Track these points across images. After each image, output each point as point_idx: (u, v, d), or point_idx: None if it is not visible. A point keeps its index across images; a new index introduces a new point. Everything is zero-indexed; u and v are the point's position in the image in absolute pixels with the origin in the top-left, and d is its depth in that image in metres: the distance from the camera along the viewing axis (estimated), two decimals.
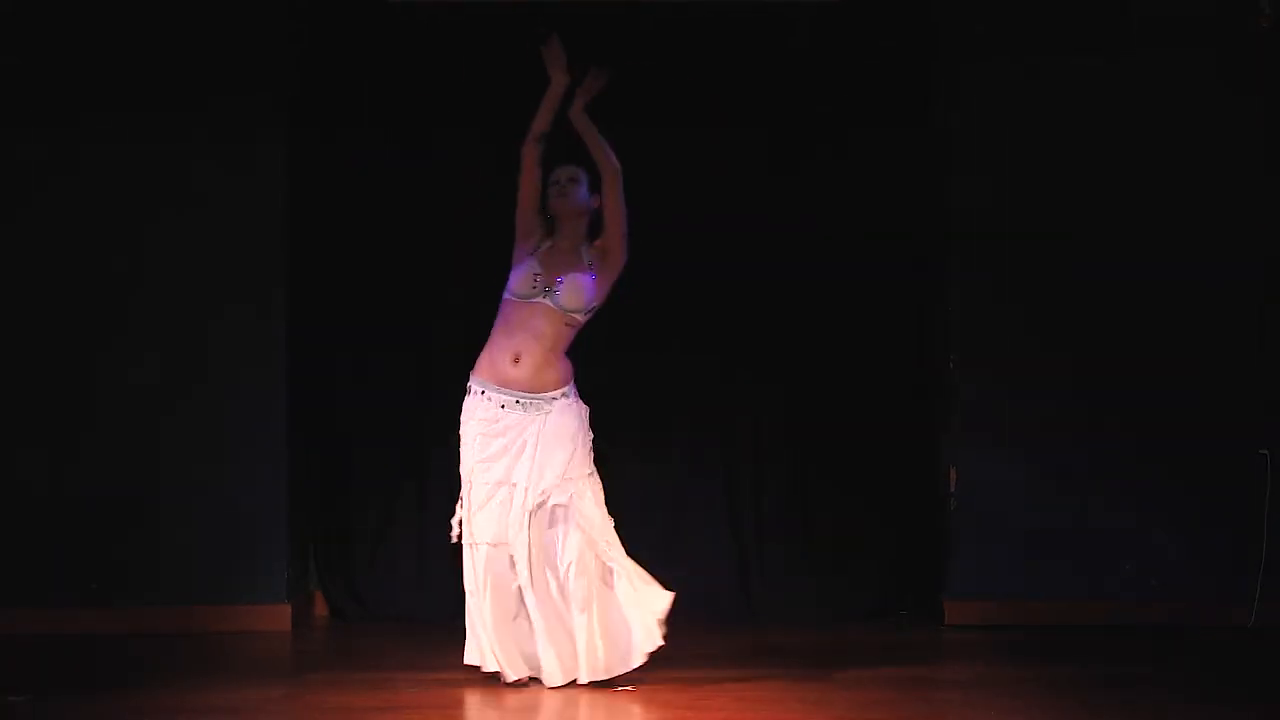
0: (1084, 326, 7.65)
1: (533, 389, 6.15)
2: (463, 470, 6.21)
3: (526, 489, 6.10)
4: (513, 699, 5.95)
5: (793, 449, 7.97)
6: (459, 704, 5.89)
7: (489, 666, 6.13)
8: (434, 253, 7.96)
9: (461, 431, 6.22)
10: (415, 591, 7.94)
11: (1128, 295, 7.64)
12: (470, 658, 6.16)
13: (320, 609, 8.01)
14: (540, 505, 6.10)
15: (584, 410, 6.24)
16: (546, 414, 6.16)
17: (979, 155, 7.68)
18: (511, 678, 6.07)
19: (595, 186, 6.31)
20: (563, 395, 6.19)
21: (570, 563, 6.09)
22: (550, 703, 5.91)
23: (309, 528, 7.92)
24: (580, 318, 6.21)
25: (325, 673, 6.57)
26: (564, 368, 6.22)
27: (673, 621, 6.05)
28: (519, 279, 6.20)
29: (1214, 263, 7.63)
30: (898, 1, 7.88)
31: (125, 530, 7.48)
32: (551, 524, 6.13)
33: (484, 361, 6.22)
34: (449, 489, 7.92)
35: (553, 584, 6.10)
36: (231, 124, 7.54)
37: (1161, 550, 7.58)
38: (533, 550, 6.09)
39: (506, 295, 6.25)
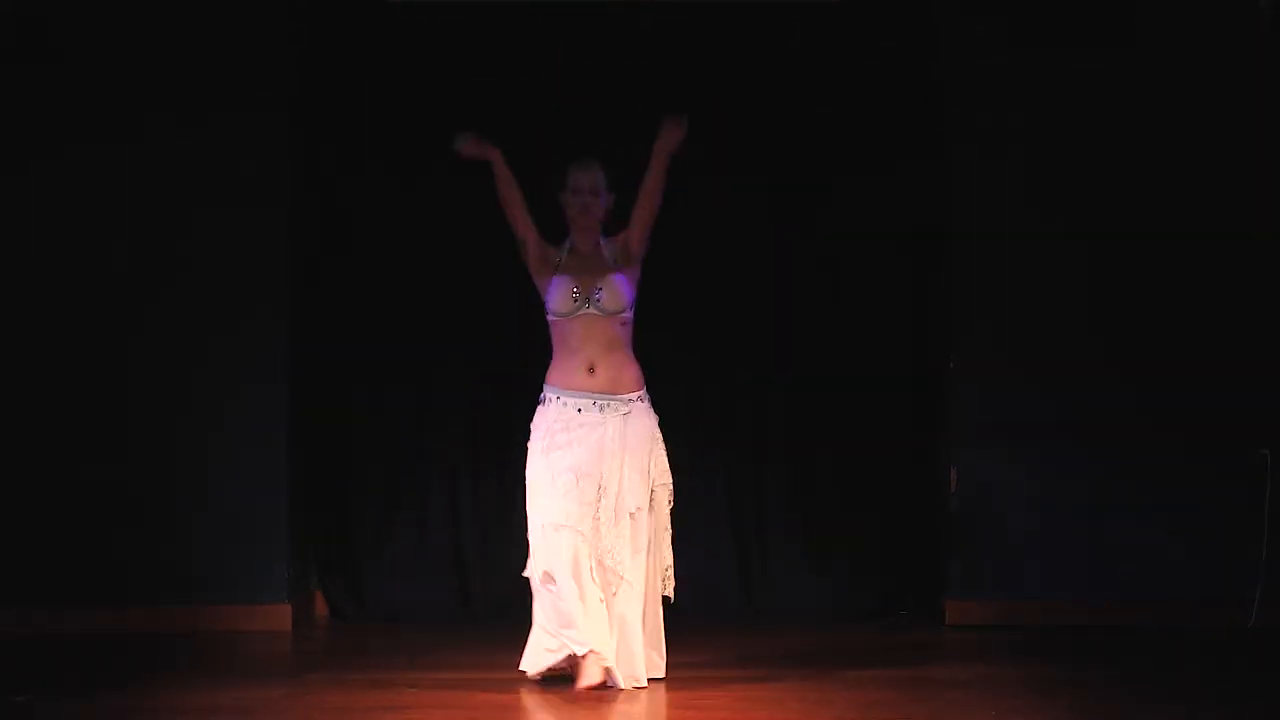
0: (1084, 326, 7.64)
1: (610, 391, 6.13)
2: (527, 473, 6.14)
3: (616, 493, 6.05)
4: (514, 698, 5.95)
5: (793, 449, 7.97)
6: (459, 703, 5.89)
7: (558, 658, 6.07)
8: (434, 253, 7.96)
9: (530, 441, 6.17)
10: (415, 591, 7.95)
11: (1127, 295, 7.64)
12: (537, 663, 6.12)
13: (321, 609, 8.01)
14: (638, 510, 6.08)
15: (655, 417, 6.22)
16: (624, 415, 6.13)
17: (978, 156, 7.67)
18: (589, 654, 5.99)
19: (610, 184, 6.31)
20: (639, 398, 6.18)
21: (631, 565, 6.07)
22: (552, 701, 5.91)
23: (309, 528, 7.92)
24: (629, 314, 6.19)
25: (326, 672, 6.57)
26: (637, 368, 6.21)
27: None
28: (558, 299, 6.17)
29: (1214, 262, 7.63)
30: (897, 1, 7.88)
31: (126, 530, 7.48)
32: (627, 527, 6.08)
33: (555, 374, 6.20)
34: (448, 488, 7.97)
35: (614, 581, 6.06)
36: (232, 124, 7.55)
37: (1162, 550, 7.58)
38: (604, 550, 6.04)
39: (550, 316, 6.21)
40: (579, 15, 7.82)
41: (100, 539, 7.47)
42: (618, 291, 6.17)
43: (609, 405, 6.12)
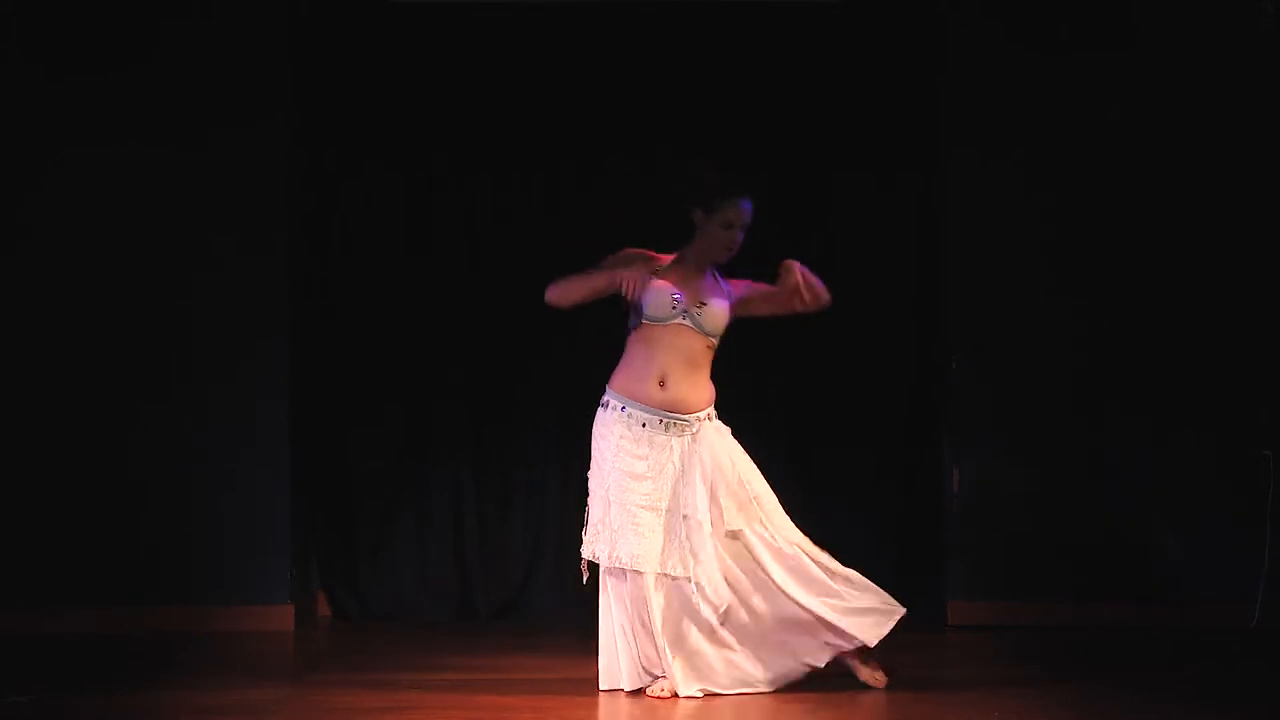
0: (1086, 328, 7.65)
1: (677, 410, 5.93)
2: (596, 488, 5.95)
3: (702, 521, 5.89)
4: (518, 699, 5.94)
5: (795, 450, 7.97)
6: (462, 704, 5.89)
7: (634, 685, 5.89)
8: (437, 253, 7.97)
9: (596, 449, 5.97)
10: (417, 592, 7.96)
11: (1130, 296, 7.65)
12: (610, 682, 5.91)
13: (323, 609, 8.03)
14: (733, 535, 5.92)
15: (726, 429, 6.07)
16: (693, 435, 5.95)
17: (979, 157, 7.68)
18: (682, 692, 5.84)
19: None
20: (707, 417, 6.01)
21: (784, 575, 5.96)
22: (555, 703, 5.90)
23: (311, 528, 7.92)
24: (717, 340, 6.02)
25: (328, 673, 6.58)
26: (712, 391, 6.02)
27: None
28: (656, 303, 5.92)
29: (1217, 263, 7.63)
30: (898, 4, 7.89)
31: (128, 531, 7.49)
32: (752, 551, 5.94)
33: (623, 379, 5.97)
34: (450, 489, 7.98)
35: (760, 604, 5.93)
36: (233, 121, 7.58)
37: (1164, 551, 7.58)
38: (730, 579, 5.89)
39: (643, 320, 5.94)
40: (579, 16, 7.83)
41: (103, 539, 7.48)
42: (719, 314, 5.97)
43: (674, 425, 5.93)
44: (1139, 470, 7.60)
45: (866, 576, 7.86)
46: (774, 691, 6.01)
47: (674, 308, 5.93)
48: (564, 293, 5.94)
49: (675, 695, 5.83)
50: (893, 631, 7.49)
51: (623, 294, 5.86)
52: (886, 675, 6.04)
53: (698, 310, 5.95)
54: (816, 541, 7.84)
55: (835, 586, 6.03)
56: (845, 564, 7.86)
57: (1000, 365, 7.68)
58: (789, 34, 7.90)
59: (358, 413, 7.98)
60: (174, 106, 7.54)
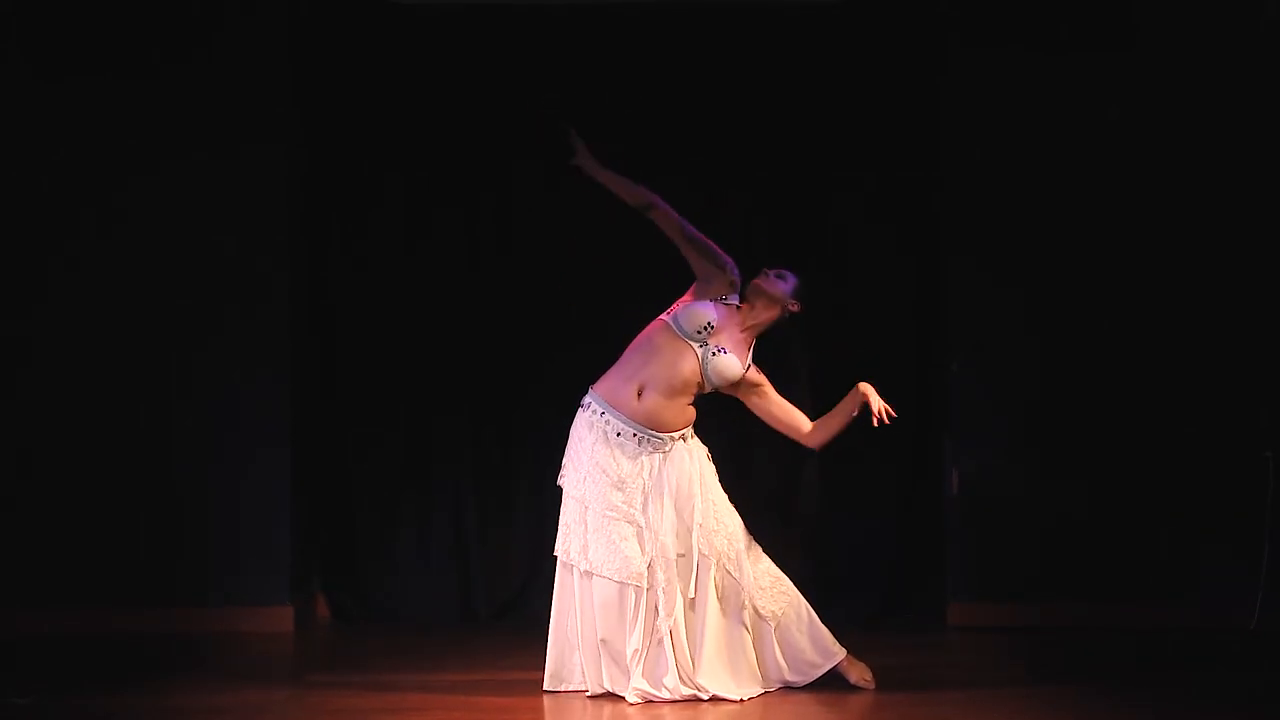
0: (1086, 328, 7.65)
1: (652, 426, 5.92)
2: (570, 489, 5.98)
3: (663, 538, 5.90)
4: (519, 702, 5.95)
5: (794, 450, 7.95)
6: (463, 705, 5.89)
7: (588, 688, 5.92)
8: (439, 254, 7.97)
9: (572, 449, 5.99)
10: (418, 593, 7.95)
11: (1130, 297, 7.65)
12: (556, 683, 5.96)
13: (323, 611, 8.02)
14: (682, 556, 5.93)
15: (703, 450, 6.07)
16: (665, 454, 5.95)
17: (979, 157, 7.67)
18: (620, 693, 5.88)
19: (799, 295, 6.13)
20: (681, 438, 6.00)
21: (718, 599, 5.99)
22: (556, 708, 5.91)
23: (311, 529, 7.92)
24: (708, 388, 6.00)
25: (328, 674, 6.58)
26: (687, 415, 6.00)
27: None
28: (692, 314, 5.94)
29: (1217, 263, 7.63)
30: (899, 3, 7.88)
31: (129, 532, 7.49)
32: (697, 571, 5.93)
33: (608, 381, 5.98)
34: (451, 490, 7.97)
35: (710, 612, 5.96)
36: (234, 130, 7.59)
37: (1162, 551, 7.58)
38: (679, 594, 5.91)
39: (668, 318, 5.98)
40: (579, 18, 7.83)
41: (103, 540, 7.48)
42: (728, 368, 5.94)
43: (646, 440, 5.92)
44: (1139, 471, 7.60)
45: (867, 577, 7.91)
46: (773, 693, 6.02)
47: (700, 332, 5.93)
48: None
49: (647, 700, 5.83)
50: (893, 633, 7.55)
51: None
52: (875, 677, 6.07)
53: (714, 351, 5.94)
54: (814, 541, 7.91)
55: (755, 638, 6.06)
56: (846, 564, 7.91)
57: (1000, 365, 7.68)
58: (789, 35, 7.90)
59: (358, 413, 7.97)
60: (174, 107, 7.53)
